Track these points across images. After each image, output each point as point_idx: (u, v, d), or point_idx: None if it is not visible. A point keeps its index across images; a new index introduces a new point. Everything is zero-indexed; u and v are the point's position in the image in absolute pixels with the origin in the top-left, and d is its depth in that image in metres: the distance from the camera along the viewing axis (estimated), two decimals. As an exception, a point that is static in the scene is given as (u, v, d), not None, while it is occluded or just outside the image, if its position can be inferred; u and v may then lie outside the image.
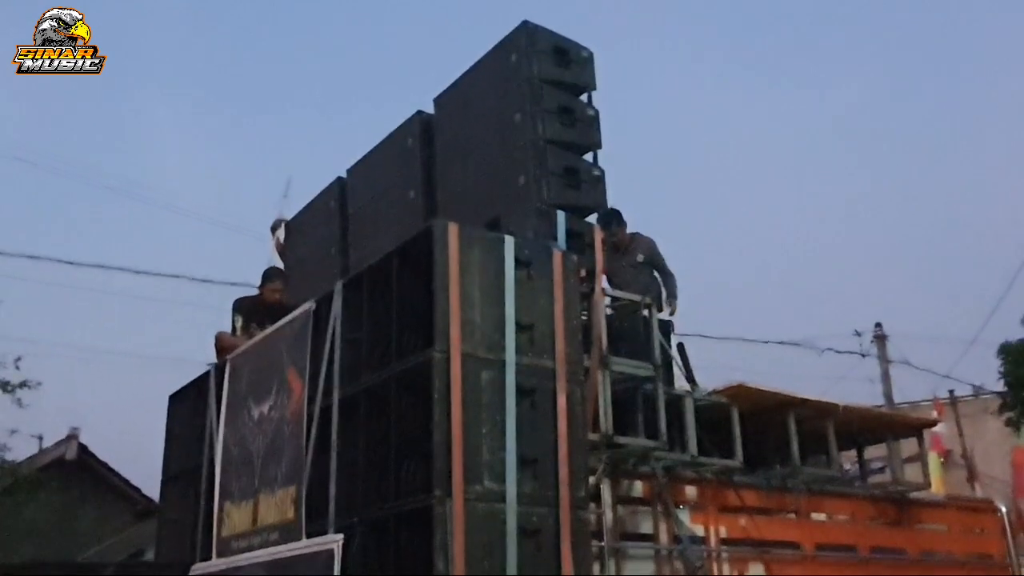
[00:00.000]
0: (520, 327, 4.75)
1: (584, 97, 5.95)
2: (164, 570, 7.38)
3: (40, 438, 15.83)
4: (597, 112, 5.89)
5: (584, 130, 5.81)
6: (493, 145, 5.95)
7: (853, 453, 8.07)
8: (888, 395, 18.60)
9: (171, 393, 7.85)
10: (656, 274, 7.70)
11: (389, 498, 4.64)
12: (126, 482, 14.79)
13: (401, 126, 6.92)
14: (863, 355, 18.88)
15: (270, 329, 6.32)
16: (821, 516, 6.81)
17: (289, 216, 8.61)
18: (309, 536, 5.24)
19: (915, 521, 7.30)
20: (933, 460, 13.49)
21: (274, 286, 7.45)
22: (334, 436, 5.19)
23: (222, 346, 7.17)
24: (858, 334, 19.26)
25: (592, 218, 5.82)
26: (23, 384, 11.57)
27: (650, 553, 5.61)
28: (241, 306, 7.62)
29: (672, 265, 7.85)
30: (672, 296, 7.73)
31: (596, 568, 5.15)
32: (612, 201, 5.92)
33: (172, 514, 7.50)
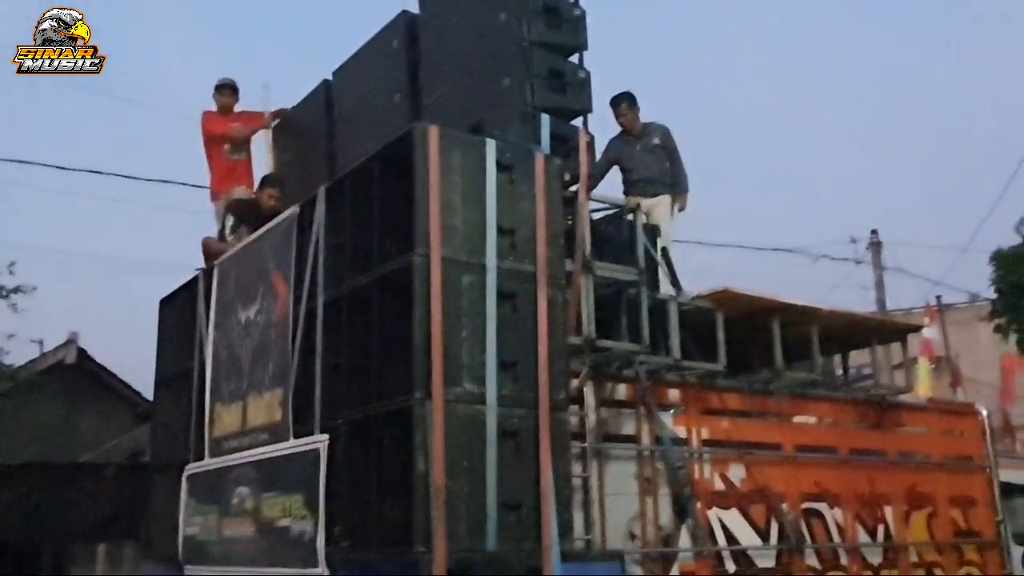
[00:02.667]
0: (501, 231, 4.76)
1: (571, -3, 5.81)
2: (160, 470, 7.54)
3: (40, 343, 16.04)
4: (583, 12, 5.76)
5: (570, 31, 5.69)
6: (478, 46, 5.83)
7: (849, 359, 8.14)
8: (882, 302, 18.70)
9: (162, 298, 7.92)
10: (667, 164, 7.78)
11: (372, 399, 4.72)
12: (126, 385, 15.01)
13: (386, 26, 6.78)
14: (858, 262, 18.93)
15: (256, 234, 6.32)
16: (803, 419, 6.92)
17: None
18: (296, 436, 5.34)
19: (896, 424, 7.42)
20: (923, 365, 13.67)
21: (271, 192, 7.37)
22: (318, 339, 5.25)
23: (209, 251, 7.18)
24: (854, 241, 19.28)
25: (578, 121, 5.75)
26: (17, 289, 11.62)
27: (632, 454, 5.71)
28: (234, 207, 7.59)
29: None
30: (684, 189, 7.81)
31: (578, 468, 5.27)
32: (597, 102, 5.83)
33: (165, 416, 7.63)
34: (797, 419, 6.81)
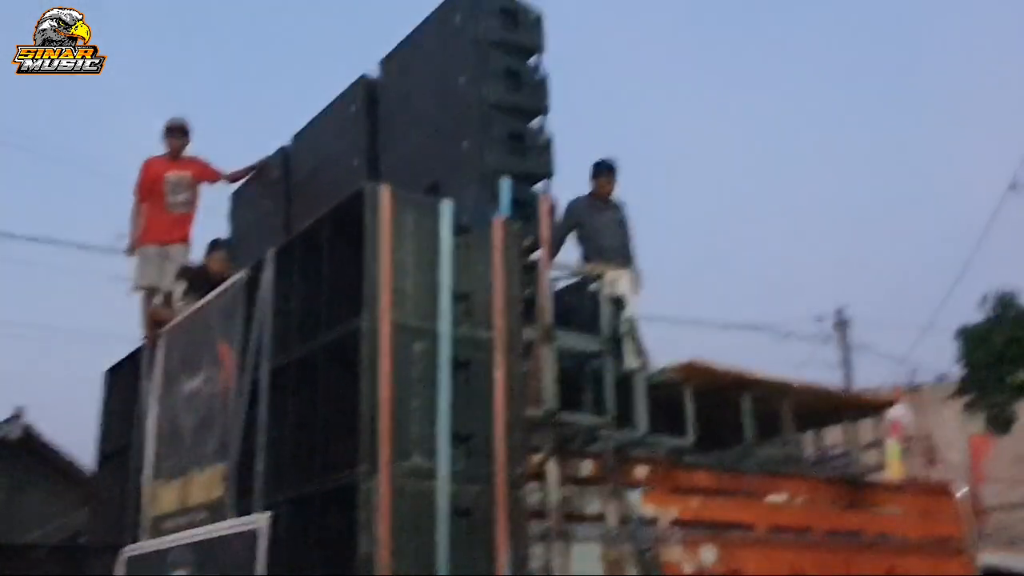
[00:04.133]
0: (456, 296, 4.53)
1: (533, 59, 5.69)
2: (97, 552, 7.10)
3: (-16, 418, 15.37)
4: (546, 75, 5.65)
5: (532, 94, 5.56)
6: (437, 109, 5.71)
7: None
8: (848, 381, 18.58)
9: (107, 368, 7.58)
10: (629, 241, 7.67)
11: (316, 474, 4.42)
12: (72, 463, 14.40)
13: (345, 91, 6.67)
14: (824, 340, 18.84)
15: (201, 301, 6.05)
16: (776, 498, 6.64)
17: None
18: (238, 515, 4.99)
19: (870, 504, 7.16)
20: (892, 447, 13.47)
21: (220, 255, 7.13)
22: (262, 410, 4.94)
23: (156, 320, 6.87)
24: (820, 320, 19.22)
25: (540, 186, 5.58)
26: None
27: (598, 534, 5.41)
28: (183, 275, 7.30)
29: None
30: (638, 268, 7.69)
31: (541, 549, 4.96)
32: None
33: (105, 493, 7.25)
34: (770, 498, 6.53)
